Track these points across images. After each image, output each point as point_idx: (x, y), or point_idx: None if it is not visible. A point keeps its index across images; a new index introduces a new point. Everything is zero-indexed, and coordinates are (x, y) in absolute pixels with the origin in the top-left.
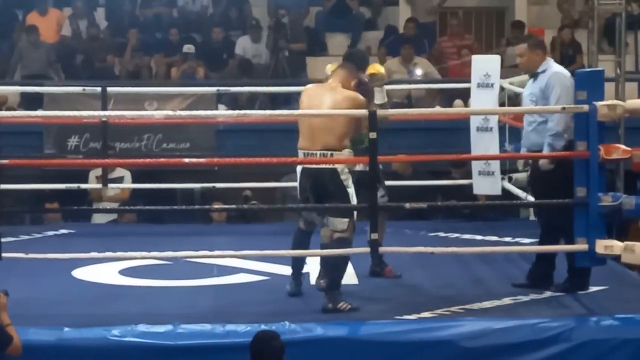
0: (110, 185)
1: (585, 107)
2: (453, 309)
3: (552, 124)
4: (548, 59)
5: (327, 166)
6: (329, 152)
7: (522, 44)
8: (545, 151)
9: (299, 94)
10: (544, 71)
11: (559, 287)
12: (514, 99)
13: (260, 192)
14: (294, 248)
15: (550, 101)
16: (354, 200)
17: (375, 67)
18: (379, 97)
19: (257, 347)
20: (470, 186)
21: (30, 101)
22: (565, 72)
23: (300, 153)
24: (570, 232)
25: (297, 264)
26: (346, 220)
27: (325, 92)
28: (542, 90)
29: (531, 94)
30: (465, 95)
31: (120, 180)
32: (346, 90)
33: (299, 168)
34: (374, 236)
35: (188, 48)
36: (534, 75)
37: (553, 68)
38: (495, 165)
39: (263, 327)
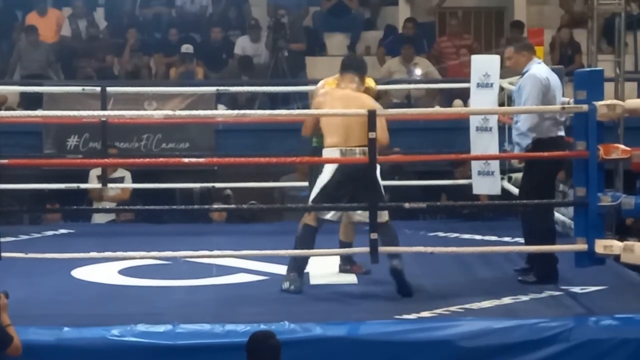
0: (110, 185)
1: (585, 107)
2: (452, 308)
3: (519, 123)
4: (533, 60)
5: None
6: (366, 149)
7: (509, 47)
8: (515, 151)
9: (298, 94)
10: (526, 72)
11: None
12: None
13: (260, 192)
14: (301, 246)
15: (521, 101)
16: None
17: (368, 82)
18: None
19: (253, 346)
20: (470, 186)
21: (30, 101)
22: (541, 73)
23: (336, 150)
24: (541, 232)
25: (303, 261)
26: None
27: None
28: (517, 90)
29: (513, 93)
30: (464, 95)
31: (120, 180)
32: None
33: (331, 166)
34: (374, 236)
35: (186, 48)
36: (522, 75)
37: (532, 69)
38: (495, 165)
39: (262, 326)
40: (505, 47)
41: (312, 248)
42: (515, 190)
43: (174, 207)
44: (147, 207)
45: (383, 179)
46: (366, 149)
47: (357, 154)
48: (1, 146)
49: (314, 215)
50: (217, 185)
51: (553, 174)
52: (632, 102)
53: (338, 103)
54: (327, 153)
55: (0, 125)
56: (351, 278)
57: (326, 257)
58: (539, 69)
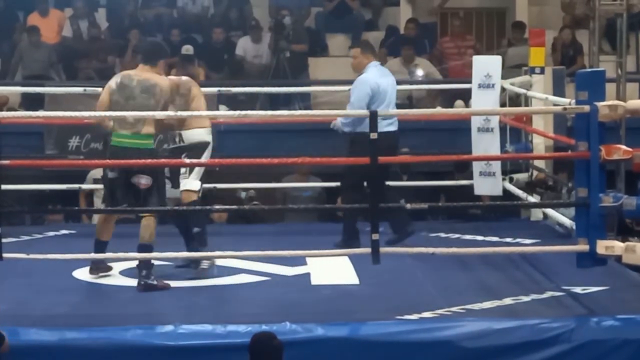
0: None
1: (587, 108)
2: (454, 309)
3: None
4: (371, 63)
5: None
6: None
7: (356, 47)
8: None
9: (300, 94)
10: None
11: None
12: (515, 100)
13: (261, 193)
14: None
15: (350, 101)
16: None
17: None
18: None
19: (257, 347)
20: (472, 187)
21: (31, 102)
22: (366, 77)
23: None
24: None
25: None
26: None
27: None
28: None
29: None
30: (466, 95)
31: None
32: None
33: None
34: (375, 236)
35: (186, 49)
36: None
37: (365, 72)
38: (496, 166)
39: (264, 327)
40: (507, 48)
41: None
42: (516, 191)
43: (175, 207)
44: (147, 208)
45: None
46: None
47: None
48: (3, 147)
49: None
50: (219, 186)
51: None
52: (634, 103)
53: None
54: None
55: (2, 126)
56: (353, 278)
57: (328, 258)
58: (369, 74)
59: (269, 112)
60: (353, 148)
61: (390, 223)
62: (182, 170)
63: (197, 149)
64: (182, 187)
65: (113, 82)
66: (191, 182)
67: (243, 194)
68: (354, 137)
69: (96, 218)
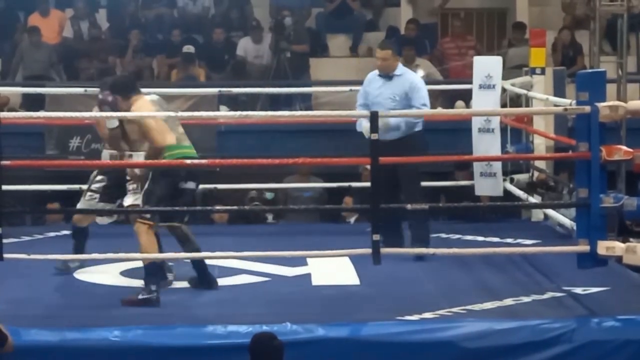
0: None
1: (587, 108)
2: (454, 309)
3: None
4: (400, 64)
5: None
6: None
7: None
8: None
9: (300, 95)
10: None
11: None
12: (516, 100)
13: (261, 194)
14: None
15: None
16: None
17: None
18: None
19: (258, 348)
20: (472, 187)
21: (32, 102)
22: (418, 77)
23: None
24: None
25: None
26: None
27: None
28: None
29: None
30: (466, 96)
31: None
32: None
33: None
34: (376, 237)
35: (187, 48)
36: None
37: (396, 73)
38: (497, 167)
39: (265, 328)
40: (508, 48)
41: None
42: (517, 192)
43: (176, 208)
44: (148, 208)
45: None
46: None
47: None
48: (3, 147)
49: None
50: (220, 186)
51: None
52: (635, 104)
53: None
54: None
55: (3, 127)
56: (353, 279)
57: (329, 259)
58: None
59: (270, 113)
60: (407, 148)
61: (415, 231)
62: (133, 186)
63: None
64: (128, 202)
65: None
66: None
67: (268, 195)
68: (408, 138)
69: (98, 219)
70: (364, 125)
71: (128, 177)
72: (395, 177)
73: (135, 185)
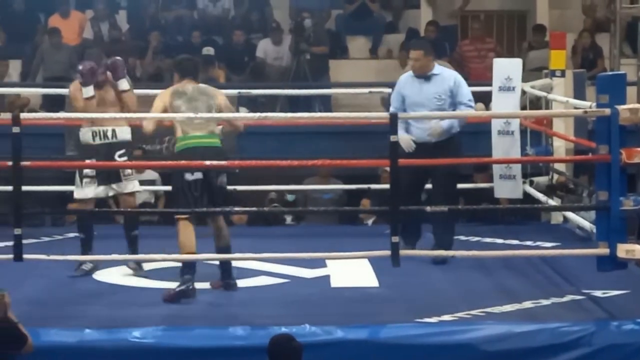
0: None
1: (607, 111)
2: (474, 312)
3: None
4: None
5: None
6: None
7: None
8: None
9: (320, 97)
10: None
11: None
12: (536, 103)
13: (282, 195)
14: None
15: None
16: None
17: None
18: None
19: (276, 349)
20: (491, 190)
21: (52, 103)
22: (459, 75)
23: None
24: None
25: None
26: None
27: None
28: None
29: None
30: (486, 98)
31: (151, 183)
32: None
33: None
34: (395, 239)
35: (207, 50)
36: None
37: (433, 72)
38: (517, 169)
39: (283, 329)
40: (528, 51)
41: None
42: (537, 194)
43: (196, 209)
44: (166, 209)
45: None
46: None
47: None
48: (24, 148)
49: None
50: (239, 188)
51: None
52: None
53: None
54: None
55: (23, 127)
56: (372, 281)
57: (348, 260)
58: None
59: (289, 114)
60: (446, 150)
61: (438, 236)
62: (128, 171)
63: (130, 147)
64: (130, 189)
65: (168, 93)
66: (136, 184)
67: (289, 197)
68: (448, 140)
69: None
70: (403, 138)
71: (118, 156)
72: (423, 180)
73: (130, 171)
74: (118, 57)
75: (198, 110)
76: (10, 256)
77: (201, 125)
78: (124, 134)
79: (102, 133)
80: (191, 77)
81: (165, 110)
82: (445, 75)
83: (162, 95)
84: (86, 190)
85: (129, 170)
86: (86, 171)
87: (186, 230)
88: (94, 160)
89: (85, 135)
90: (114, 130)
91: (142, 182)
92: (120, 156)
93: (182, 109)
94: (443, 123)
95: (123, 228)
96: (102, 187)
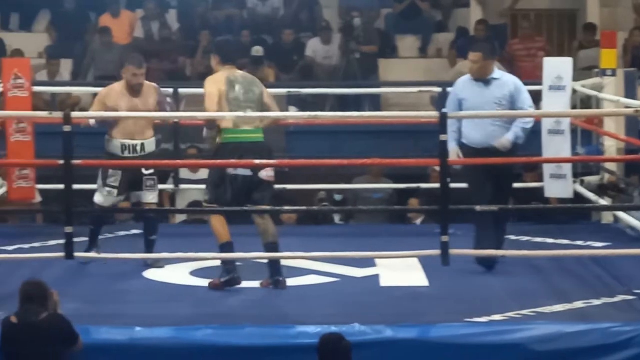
0: (182, 187)
1: None
2: (524, 312)
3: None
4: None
5: None
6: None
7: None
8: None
9: (369, 96)
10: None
11: None
12: (586, 102)
13: (331, 194)
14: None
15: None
16: None
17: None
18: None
19: (326, 348)
20: (541, 189)
21: None
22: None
23: None
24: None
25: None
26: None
27: None
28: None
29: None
30: (537, 97)
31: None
32: None
33: None
34: (445, 238)
35: (256, 51)
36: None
37: (493, 76)
38: (567, 169)
39: (333, 328)
40: (579, 50)
41: None
42: (587, 194)
43: (245, 208)
44: (217, 209)
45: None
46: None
47: None
48: (75, 147)
49: None
50: (289, 187)
51: None
52: None
53: None
54: None
55: (74, 127)
56: (422, 280)
57: (397, 260)
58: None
59: (339, 113)
60: (512, 154)
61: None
62: (150, 182)
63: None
64: (150, 200)
65: (222, 81)
66: (155, 195)
67: (337, 197)
68: (513, 149)
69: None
70: (451, 150)
71: (145, 172)
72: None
73: (152, 182)
74: (167, 98)
75: (252, 101)
76: (62, 254)
77: (252, 119)
78: (151, 146)
79: (131, 147)
80: (234, 63)
81: (220, 98)
82: (505, 79)
83: (215, 82)
84: (105, 199)
85: (151, 182)
86: (110, 181)
87: (218, 220)
88: (118, 172)
89: (114, 147)
90: (142, 145)
91: (196, 182)
92: (148, 176)
93: (241, 99)
94: (510, 136)
95: (143, 231)
96: (122, 197)
